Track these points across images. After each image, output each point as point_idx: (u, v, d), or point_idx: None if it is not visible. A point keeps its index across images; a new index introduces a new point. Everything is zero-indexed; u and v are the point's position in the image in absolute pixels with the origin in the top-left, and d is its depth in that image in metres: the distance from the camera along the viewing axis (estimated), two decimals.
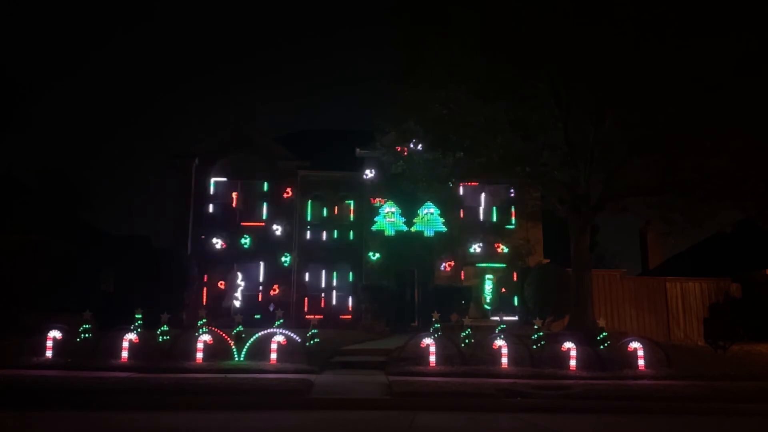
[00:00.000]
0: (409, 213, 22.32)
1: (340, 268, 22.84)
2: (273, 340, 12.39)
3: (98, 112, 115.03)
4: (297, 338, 12.93)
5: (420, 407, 9.04)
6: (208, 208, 22.68)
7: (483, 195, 23.39)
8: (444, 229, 22.29)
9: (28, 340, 12.80)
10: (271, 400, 9.16)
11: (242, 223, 22.56)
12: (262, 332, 12.77)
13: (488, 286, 22.68)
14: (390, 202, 22.22)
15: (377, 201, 22.36)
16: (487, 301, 22.51)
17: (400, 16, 15.84)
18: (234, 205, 22.81)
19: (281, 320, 15.34)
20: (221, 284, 22.06)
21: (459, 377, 11.23)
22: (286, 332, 12.74)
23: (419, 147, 18.70)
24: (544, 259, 22.40)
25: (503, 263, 22.78)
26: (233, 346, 12.55)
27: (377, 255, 22.20)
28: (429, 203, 22.09)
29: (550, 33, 14.06)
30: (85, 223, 27.45)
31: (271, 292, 21.91)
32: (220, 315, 20.04)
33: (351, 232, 22.99)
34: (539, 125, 16.56)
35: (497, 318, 19.92)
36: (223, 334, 12.80)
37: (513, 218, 23.18)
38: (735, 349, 15.87)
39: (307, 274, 22.64)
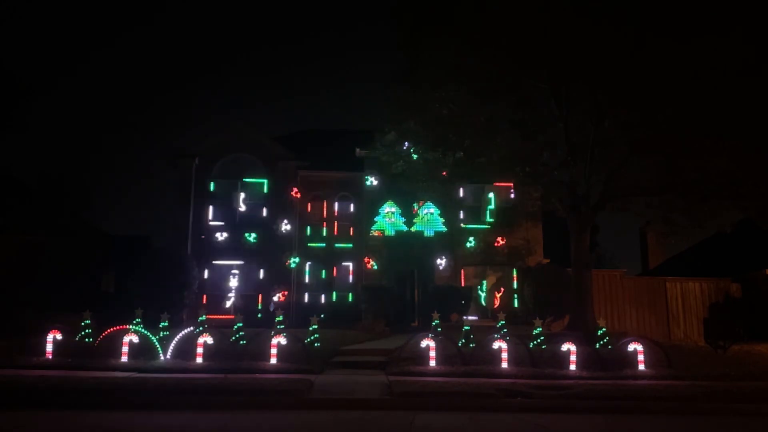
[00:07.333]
0: (409, 213, 22.34)
1: (340, 267, 22.85)
2: (273, 342, 12.38)
3: (98, 112, 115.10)
4: (297, 338, 12.91)
5: (420, 407, 9.04)
6: (208, 208, 22.65)
7: (483, 195, 23.39)
8: (444, 229, 22.29)
9: (28, 340, 12.80)
10: (271, 400, 9.16)
11: (242, 223, 22.53)
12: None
13: (488, 286, 22.68)
14: (390, 202, 22.23)
15: (377, 201, 22.36)
16: (487, 301, 22.50)
17: (402, 17, 15.89)
18: (234, 205, 22.78)
19: (281, 320, 15.33)
20: (221, 284, 22.04)
21: (459, 377, 11.22)
22: (286, 332, 12.72)
23: (419, 147, 18.69)
24: (544, 259, 22.40)
25: (503, 263, 22.76)
26: None
27: (377, 255, 22.19)
28: (429, 203, 22.09)
29: (550, 33, 14.08)
30: (85, 223, 27.43)
31: (271, 292, 21.87)
32: (220, 315, 20.04)
33: (351, 232, 22.99)
34: (539, 125, 16.56)
35: (497, 318, 19.88)
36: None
37: (513, 218, 23.15)
38: (735, 349, 15.88)
39: (307, 274, 22.63)
